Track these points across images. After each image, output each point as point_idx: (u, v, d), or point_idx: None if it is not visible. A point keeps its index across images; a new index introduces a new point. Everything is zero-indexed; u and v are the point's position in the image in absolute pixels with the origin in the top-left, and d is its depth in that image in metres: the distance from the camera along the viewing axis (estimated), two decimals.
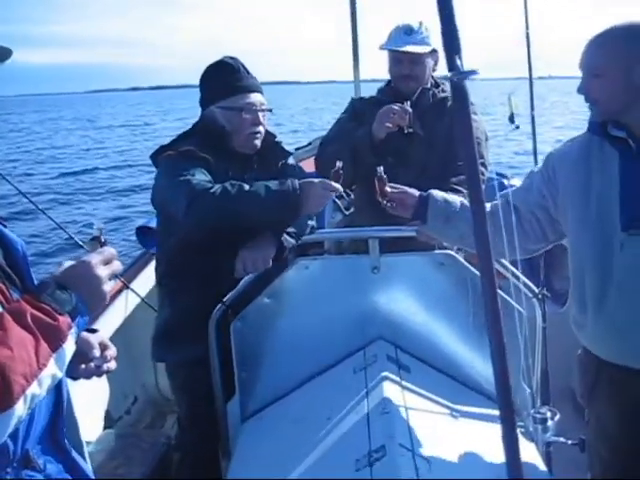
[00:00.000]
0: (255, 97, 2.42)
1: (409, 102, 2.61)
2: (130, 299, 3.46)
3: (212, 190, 2.13)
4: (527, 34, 2.12)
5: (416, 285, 2.29)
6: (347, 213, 4.14)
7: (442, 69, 2.84)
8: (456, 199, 2.13)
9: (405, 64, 2.76)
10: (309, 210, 2.22)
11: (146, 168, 20.41)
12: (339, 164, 2.25)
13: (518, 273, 2.29)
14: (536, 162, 2.62)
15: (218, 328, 2.34)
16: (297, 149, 5.84)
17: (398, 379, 2.08)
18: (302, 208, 2.16)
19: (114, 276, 1.28)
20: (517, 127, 2.35)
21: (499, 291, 2.23)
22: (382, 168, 2.13)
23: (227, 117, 2.40)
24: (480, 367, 2.28)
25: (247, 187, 2.16)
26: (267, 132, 2.51)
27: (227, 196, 2.13)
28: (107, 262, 1.25)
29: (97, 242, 1.38)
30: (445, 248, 2.44)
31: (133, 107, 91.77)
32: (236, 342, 2.32)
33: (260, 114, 2.43)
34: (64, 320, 1.13)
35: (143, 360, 3.56)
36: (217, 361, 2.38)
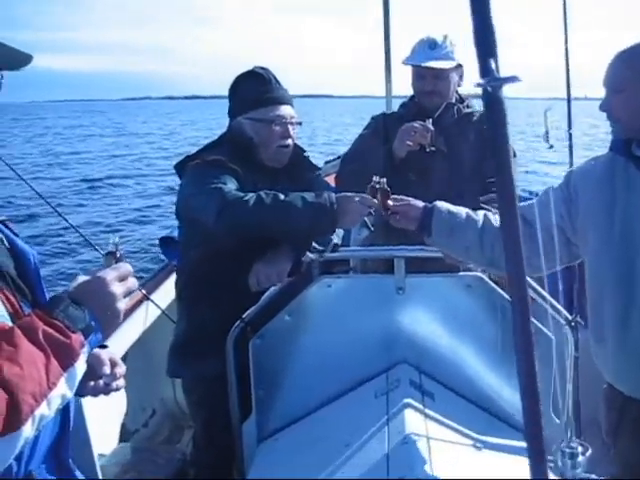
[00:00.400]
0: (285, 109, 2.37)
1: (431, 120, 2.53)
2: (150, 311, 3.42)
3: (245, 198, 2.08)
4: (566, 50, 2.04)
5: (442, 308, 2.20)
6: (373, 229, 4.05)
7: (467, 84, 2.76)
8: (461, 210, 2.03)
9: (429, 79, 2.68)
10: (345, 224, 2.18)
11: (158, 177, 20.55)
12: (376, 179, 2.17)
13: (549, 298, 2.19)
14: None
15: (236, 345, 2.28)
16: (326, 162, 5.77)
17: (421, 406, 1.99)
18: (338, 222, 2.11)
19: (129, 293, 1.23)
20: (551, 146, 2.25)
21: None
22: (385, 179, 2.05)
23: (256, 129, 2.35)
24: (508, 396, 2.18)
25: (282, 197, 2.10)
26: (295, 146, 2.46)
27: (262, 205, 2.08)
28: (122, 279, 1.20)
29: (112, 257, 1.32)
30: (471, 269, 2.35)
31: (163, 116, 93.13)
32: (254, 360, 2.25)
33: (290, 127, 2.38)
34: (76, 338, 1.08)
35: (162, 373, 3.50)
36: (234, 379, 2.31)
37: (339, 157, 6.23)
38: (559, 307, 2.18)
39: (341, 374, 2.25)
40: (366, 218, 4.28)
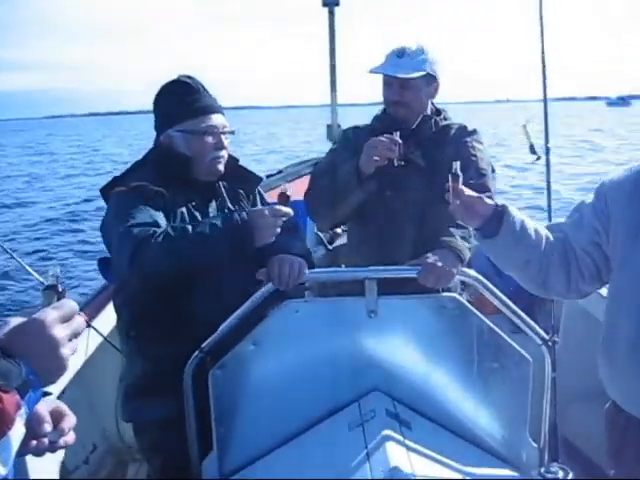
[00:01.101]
0: (217, 118, 2.23)
1: (399, 132, 2.40)
2: (91, 338, 3.17)
3: (153, 239, 1.95)
4: (542, 56, 1.96)
5: (416, 331, 2.09)
6: (331, 247, 3.91)
7: (442, 97, 2.65)
8: (529, 221, 1.90)
9: (395, 89, 2.55)
10: (262, 241, 2.03)
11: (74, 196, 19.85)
12: (285, 186, 2.09)
13: (525, 317, 2.12)
14: (549, 198, 2.44)
15: (194, 377, 2.10)
16: (268, 176, 5.64)
17: (401, 438, 1.86)
18: (254, 240, 2.00)
19: (76, 335, 1.02)
20: (539, 158, 2.17)
21: (502, 334, 2.05)
22: (459, 163, 1.91)
23: (187, 141, 2.20)
24: (484, 421, 2.09)
25: (190, 228, 1.99)
26: (229, 156, 2.32)
27: (170, 242, 1.95)
28: (66, 319, 0.99)
29: (53, 292, 1.11)
30: (449, 290, 2.25)
31: (85, 134, 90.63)
32: (215, 392, 2.08)
33: (222, 137, 2.24)
34: (10, 399, 0.87)
35: (103, 404, 3.26)
36: (193, 414, 2.14)
37: (281, 171, 6.13)
38: (535, 326, 2.11)
39: (310, 404, 2.11)
40: (322, 235, 4.17)
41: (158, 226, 2.02)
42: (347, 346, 2.11)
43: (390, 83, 2.56)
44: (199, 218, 2.18)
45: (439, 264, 2.09)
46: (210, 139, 2.20)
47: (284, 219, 2.04)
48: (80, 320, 1.03)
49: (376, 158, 2.33)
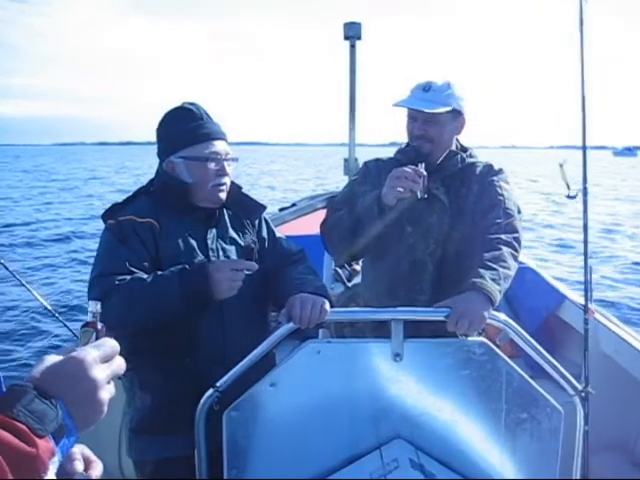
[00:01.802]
0: (220, 145, 2.19)
1: (423, 164, 2.33)
2: None
3: (115, 293, 1.93)
4: (583, 97, 1.91)
5: (443, 376, 1.99)
6: (350, 285, 3.83)
7: (467, 136, 2.58)
8: None
9: (419, 123, 2.48)
10: (221, 294, 1.98)
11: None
12: (250, 240, 2.16)
13: (559, 366, 2.02)
14: (586, 240, 2.37)
15: (207, 417, 2.01)
16: (281, 209, 5.57)
17: None
18: (212, 293, 1.95)
19: (114, 377, 0.95)
20: (573, 197, 2.10)
21: (532, 382, 1.95)
22: None
23: (190, 168, 2.16)
24: (512, 474, 1.98)
25: (150, 280, 1.96)
26: (233, 184, 2.28)
27: (128, 296, 1.94)
28: (106, 359, 0.93)
29: (92, 330, 1.02)
30: (480, 334, 2.15)
31: (92, 161, 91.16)
32: (229, 434, 1.98)
33: (225, 164, 2.19)
34: (45, 445, 0.79)
35: (105, 437, 3.15)
36: (205, 456, 2.04)
37: (294, 204, 6.06)
38: (569, 376, 2.01)
39: (329, 450, 2.00)
40: (341, 272, 4.08)
41: (129, 272, 2.00)
42: (369, 390, 2.01)
43: (415, 117, 2.49)
44: (195, 246, 2.14)
45: (471, 308, 1.99)
46: (212, 165, 2.17)
47: (248, 272, 1.99)
48: (120, 360, 0.97)
49: (399, 189, 2.24)
